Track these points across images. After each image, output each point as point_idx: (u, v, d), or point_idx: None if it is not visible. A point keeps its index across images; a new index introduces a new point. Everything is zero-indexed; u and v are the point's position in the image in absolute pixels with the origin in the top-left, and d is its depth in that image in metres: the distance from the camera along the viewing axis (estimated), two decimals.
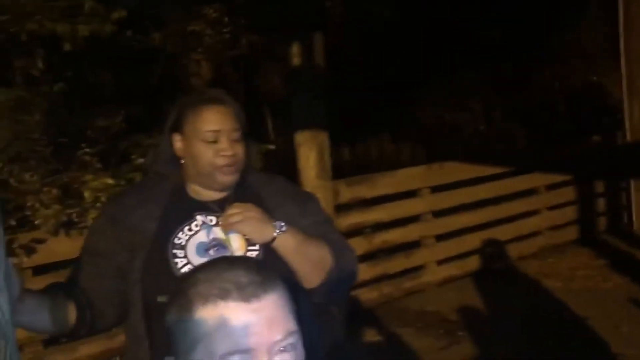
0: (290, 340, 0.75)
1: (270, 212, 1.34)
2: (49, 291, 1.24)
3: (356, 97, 6.89)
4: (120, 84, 5.13)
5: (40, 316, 1.17)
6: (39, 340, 3.01)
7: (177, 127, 1.36)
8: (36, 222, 3.02)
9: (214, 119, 1.33)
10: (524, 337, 3.49)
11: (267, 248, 1.31)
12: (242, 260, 0.82)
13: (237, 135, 1.34)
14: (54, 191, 3.11)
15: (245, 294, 0.74)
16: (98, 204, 3.06)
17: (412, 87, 6.95)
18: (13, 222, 3.04)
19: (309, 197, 1.46)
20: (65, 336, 1.43)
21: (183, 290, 0.77)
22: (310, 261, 1.32)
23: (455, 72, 7.03)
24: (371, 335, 3.73)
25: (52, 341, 3.10)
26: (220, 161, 1.32)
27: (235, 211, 1.30)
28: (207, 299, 0.74)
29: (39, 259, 2.99)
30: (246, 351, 0.73)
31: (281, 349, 0.75)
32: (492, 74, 7.20)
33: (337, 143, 5.00)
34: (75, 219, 3.07)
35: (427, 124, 6.94)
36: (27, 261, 2.93)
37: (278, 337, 0.74)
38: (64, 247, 3.01)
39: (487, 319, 3.81)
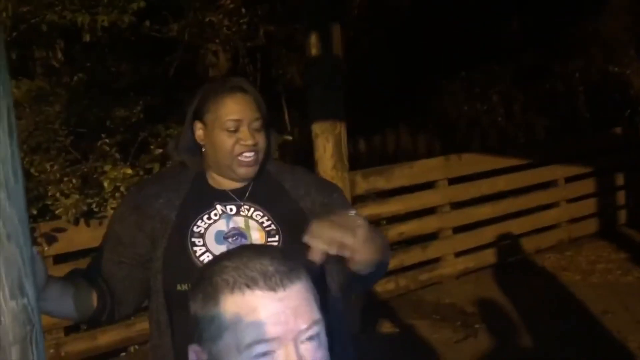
0: (315, 329, 0.75)
1: (296, 203, 1.33)
2: (72, 278, 1.25)
3: (373, 88, 6.85)
4: (138, 75, 5.16)
5: (64, 302, 1.19)
6: (60, 327, 3.06)
7: (199, 115, 1.36)
8: (57, 212, 3.07)
9: (236, 108, 1.32)
10: (541, 331, 3.46)
11: (287, 238, 1.30)
12: (268, 249, 0.81)
13: (258, 124, 1.33)
14: (74, 181, 3.15)
15: (272, 283, 0.74)
16: (117, 194, 3.10)
17: (430, 79, 6.90)
18: (34, 212, 3.09)
19: (334, 188, 1.44)
20: (85, 322, 1.45)
21: (209, 277, 0.77)
22: (376, 245, 1.20)
23: (474, 64, 6.95)
24: (387, 327, 3.72)
25: (72, 329, 3.15)
26: (240, 149, 1.32)
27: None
28: (234, 287, 0.74)
29: (59, 247, 3.04)
30: (272, 340, 0.73)
31: (306, 337, 0.75)
32: (511, 65, 7.11)
33: (354, 134, 4.98)
34: (95, 209, 3.11)
35: (445, 116, 6.88)
36: (48, 250, 2.98)
37: (303, 326, 0.74)
38: (84, 236, 3.05)
39: (504, 312, 3.79)
